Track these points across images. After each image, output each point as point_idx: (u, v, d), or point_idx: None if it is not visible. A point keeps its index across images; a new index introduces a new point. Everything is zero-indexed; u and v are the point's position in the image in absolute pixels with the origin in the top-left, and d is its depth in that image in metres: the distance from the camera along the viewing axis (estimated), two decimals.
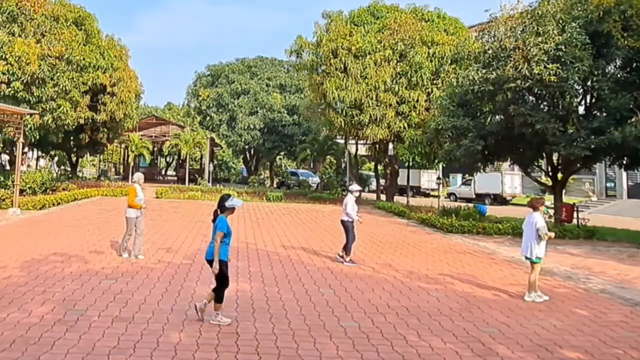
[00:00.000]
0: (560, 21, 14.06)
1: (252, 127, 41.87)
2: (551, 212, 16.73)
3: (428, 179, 39.64)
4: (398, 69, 23.95)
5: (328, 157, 36.76)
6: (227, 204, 5.85)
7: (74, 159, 33.06)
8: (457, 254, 11.63)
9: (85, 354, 4.68)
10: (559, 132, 14.05)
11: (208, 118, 45.39)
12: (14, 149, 22.43)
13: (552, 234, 7.66)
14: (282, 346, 5.12)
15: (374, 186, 33.95)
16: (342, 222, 10.11)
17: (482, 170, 19.47)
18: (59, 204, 18.79)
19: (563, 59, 13.31)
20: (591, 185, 37.74)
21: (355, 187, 10.78)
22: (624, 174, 33.41)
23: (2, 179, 20.15)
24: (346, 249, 9.88)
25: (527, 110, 14.25)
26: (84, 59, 22.89)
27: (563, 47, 13.31)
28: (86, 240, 11.00)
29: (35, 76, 20.67)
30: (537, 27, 14.24)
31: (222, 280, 5.75)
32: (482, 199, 33.63)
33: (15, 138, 17.17)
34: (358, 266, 9.53)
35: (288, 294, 7.24)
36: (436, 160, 23.85)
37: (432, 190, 37.03)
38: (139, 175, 9.91)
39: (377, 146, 28.63)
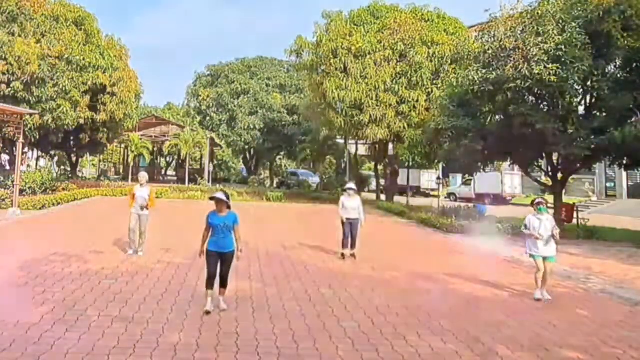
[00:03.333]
0: (560, 21, 14.05)
1: (252, 127, 41.84)
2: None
3: (428, 179, 39.61)
4: (398, 69, 23.94)
5: (328, 157, 36.77)
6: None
7: (74, 159, 33.04)
8: (457, 254, 11.62)
9: (85, 354, 4.67)
10: (559, 132, 14.05)
11: (208, 118, 45.37)
12: (14, 149, 22.41)
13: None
14: (282, 346, 5.12)
15: (374, 186, 33.94)
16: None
17: (482, 170, 19.46)
18: (59, 204, 18.78)
19: (563, 59, 13.30)
20: (591, 185, 37.70)
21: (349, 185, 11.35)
22: (624, 174, 33.37)
23: (2, 179, 20.15)
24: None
25: (527, 110, 14.25)
26: (84, 59, 22.91)
27: (563, 47, 13.31)
28: (86, 240, 10.99)
29: (35, 76, 20.69)
30: (537, 27, 14.23)
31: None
32: (482, 199, 33.60)
33: (15, 138, 17.17)
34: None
35: (288, 294, 7.24)
36: (436, 160, 23.87)
37: (432, 190, 37.00)
38: (140, 175, 10.49)
39: (377, 146, 28.63)
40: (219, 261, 6.18)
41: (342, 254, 10.41)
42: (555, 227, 7.68)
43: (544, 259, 7.66)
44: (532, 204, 8.19)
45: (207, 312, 6.02)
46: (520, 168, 20.35)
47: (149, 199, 9.75)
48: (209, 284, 6.15)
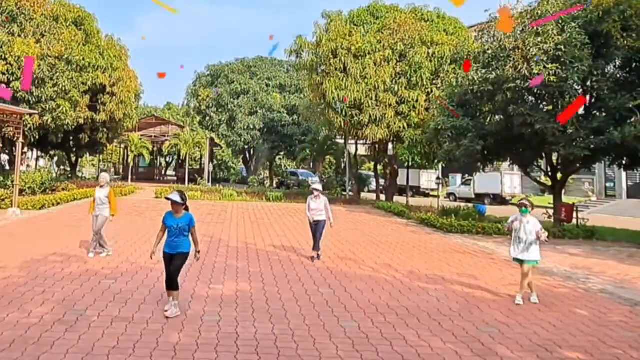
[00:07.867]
0: (560, 21, 14.06)
1: (251, 127, 41.86)
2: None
3: (428, 179, 39.62)
4: (398, 69, 23.94)
5: (328, 157, 36.74)
6: None
7: (73, 159, 33.06)
8: (457, 254, 11.63)
9: (85, 354, 4.68)
10: (559, 132, 14.05)
11: (208, 118, 45.39)
12: (14, 149, 22.41)
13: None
14: (282, 346, 5.12)
15: (373, 186, 33.94)
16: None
17: (481, 170, 19.46)
18: (58, 204, 18.77)
19: (563, 59, 13.32)
20: (591, 185, 37.75)
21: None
22: (624, 174, 33.41)
23: (2, 179, 20.15)
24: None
25: (526, 110, 14.26)
26: (83, 59, 22.93)
27: (562, 47, 13.32)
28: (86, 241, 10.96)
29: (35, 76, 20.66)
30: (536, 27, 14.24)
31: None
32: (481, 199, 33.63)
33: (15, 138, 17.17)
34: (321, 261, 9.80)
35: (288, 294, 7.24)
36: (436, 160, 23.84)
37: (432, 190, 37.01)
38: (100, 176, 10.35)
39: (377, 146, 28.63)
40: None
41: (312, 257, 10.01)
42: (540, 231, 7.22)
43: (522, 262, 7.34)
44: (517, 205, 7.98)
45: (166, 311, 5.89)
46: (520, 168, 20.34)
47: (109, 202, 9.38)
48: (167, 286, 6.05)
